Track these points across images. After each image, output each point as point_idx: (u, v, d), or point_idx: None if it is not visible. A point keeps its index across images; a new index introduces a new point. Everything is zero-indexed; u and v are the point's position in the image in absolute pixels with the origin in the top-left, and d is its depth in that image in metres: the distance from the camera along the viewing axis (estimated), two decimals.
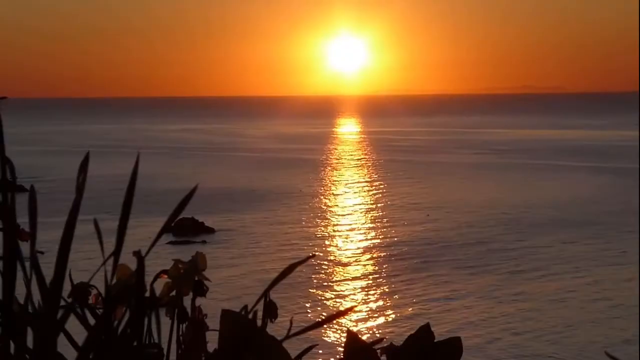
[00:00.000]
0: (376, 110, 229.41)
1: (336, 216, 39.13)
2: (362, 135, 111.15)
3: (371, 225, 36.85)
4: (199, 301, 2.18)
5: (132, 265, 1.97)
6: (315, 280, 26.00)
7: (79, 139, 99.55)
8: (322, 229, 35.57)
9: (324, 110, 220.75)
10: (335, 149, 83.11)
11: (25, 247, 1.87)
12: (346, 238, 33.78)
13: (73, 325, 1.92)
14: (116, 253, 1.88)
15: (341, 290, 25.51)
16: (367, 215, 39.93)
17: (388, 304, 23.98)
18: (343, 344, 2.47)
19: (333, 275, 27.18)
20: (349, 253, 30.86)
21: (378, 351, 2.42)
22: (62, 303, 1.88)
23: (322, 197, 45.48)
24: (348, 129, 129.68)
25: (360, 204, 43.69)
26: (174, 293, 2.16)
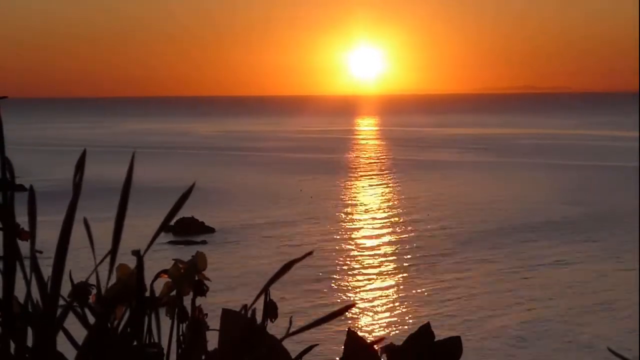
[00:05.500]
0: (384, 110, 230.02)
1: (336, 215, 39.13)
2: (365, 135, 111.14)
3: (371, 224, 36.86)
4: (199, 301, 2.18)
5: (132, 264, 1.97)
6: (314, 278, 26.00)
7: (82, 138, 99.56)
8: (322, 228, 35.57)
9: (338, 110, 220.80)
10: (337, 149, 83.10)
11: (24, 247, 1.87)
12: (346, 237, 33.78)
13: (73, 324, 1.91)
14: (113, 252, 1.87)
15: (341, 289, 25.52)
16: (367, 214, 39.95)
17: (388, 303, 23.99)
18: (343, 343, 2.47)
19: (332, 274, 27.18)
20: (348, 252, 30.86)
21: (378, 350, 2.42)
22: (62, 302, 1.88)
23: (321, 197, 45.47)
24: (354, 128, 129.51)
25: (360, 204, 43.69)
26: (174, 293, 2.16)
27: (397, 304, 23.96)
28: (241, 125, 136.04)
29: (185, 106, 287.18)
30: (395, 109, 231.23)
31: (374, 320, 22.43)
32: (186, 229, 32.98)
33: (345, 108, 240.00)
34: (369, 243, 32.74)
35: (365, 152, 79.55)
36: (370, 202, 44.45)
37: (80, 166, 1.88)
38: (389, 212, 40.58)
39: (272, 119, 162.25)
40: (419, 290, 25.27)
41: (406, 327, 21.24)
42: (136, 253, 1.86)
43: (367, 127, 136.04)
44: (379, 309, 23.54)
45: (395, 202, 43.72)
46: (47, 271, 1.85)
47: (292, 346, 2.13)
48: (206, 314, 2.17)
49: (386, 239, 33.58)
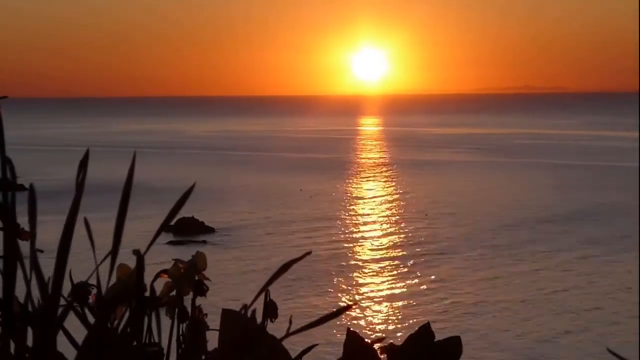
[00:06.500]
0: (387, 110, 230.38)
1: (335, 215, 39.12)
2: (366, 135, 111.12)
3: (371, 224, 36.86)
4: (199, 301, 2.18)
5: (132, 263, 1.97)
6: (313, 278, 25.99)
7: (82, 137, 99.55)
8: (321, 227, 35.56)
9: (341, 110, 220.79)
10: (338, 148, 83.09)
11: (24, 246, 1.87)
12: (346, 236, 33.77)
13: (73, 324, 1.92)
14: (113, 252, 1.87)
15: (340, 288, 25.51)
16: (366, 213, 39.94)
17: (388, 303, 23.99)
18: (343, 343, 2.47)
19: (331, 273, 27.17)
20: (347, 251, 30.86)
21: (378, 350, 2.42)
22: (62, 302, 1.88)
23: (321, 197, 45.47)
24: (356, 128, 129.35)
25: (360, 203, 43.69)
26: (174, 293, 2.16)
27: (396, 303, 23.95)
28: (243, 125, 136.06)
29: (186, 106, 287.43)
30: (398, 109, 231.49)
31: (373, 319, 22.43)
32: (186, 229, 32.97)
33: (348, 108, 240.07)
34: (368, 242, 32.72)
35: (365, 152, 79.54)
36: (369, 201, 44.43)
37: (83, 166, 1.88)
38: (388, 211, 40.57)
39: (274, 119, 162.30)
40: (418, 290, 25.26)
41: (406, 327, 21.24)
42: (136, 252, 1.86)
43: (368, 127, 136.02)
44: (378, 308, 23.54)
45: (395, 202, 43.71)
46: (47, 271, 1.85)
47: (292, 346, 2.13)
48: (206, 314, 2.17)
49: (385, 238, 33.57)
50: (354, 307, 23.22)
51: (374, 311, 23.25)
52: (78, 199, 1.83)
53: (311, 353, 2.11)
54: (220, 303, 19.17)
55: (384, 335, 20.54)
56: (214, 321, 2.18)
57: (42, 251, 1.89)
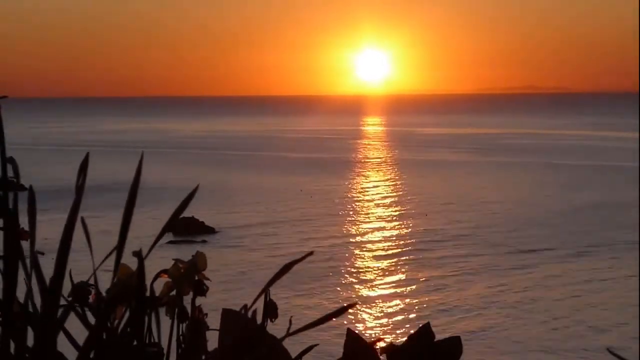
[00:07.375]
0: (389, 110, 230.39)
1: (336, 215, 39.13)
2: (367, 134, 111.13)
3: (371, 224, 36.85)
4: (199, 301, 2.18)
5: (132, 264, 1.97)
6: (314, 279, 25.99)
7: (84, 137, 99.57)
8: (322, 228, 35.56)
9: (343, 110, 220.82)
10: (338, 148, 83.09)
11: (24, 246, 1.87)
12: (346, 237, 33.77)
13: (73, 324, 1.92)
14: (119, 250, 1.88)
15: (340, 289, 25.52)
16: (367, 214, 39.94)
17: (388, 303, 23.99)
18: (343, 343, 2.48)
19: (332, 274, 27.18)
20: (348, 251, 30.86)
21: (378, 350, 2.42)
22: (63, 302, 1.88)
23: (322, 197, 45.47)
24: (357, 128, 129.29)
25: (360, 203, 43.70)
26: (174, 293, 2.16)
27: (396, 303, 23.96)
28: (244, 125, 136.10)
29: (186, 106, 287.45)
30: (401, 109, 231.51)
31: (373, 319, 22.43)
32: (186, 229, 32.96)
33: (350, 108, 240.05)
34: (369, 243, 32.71)
35: (367, 152, 79.54)
36: (370, 201, 44.43)
37: (83, 169, 1.88)
38: (388, 211, 40.57)
39: (275, 119, 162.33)
40: (418, 290, 25.26)
41: (406, 327, 21.25)
42: (137, 254, 1.86)
43: (371, 126, 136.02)
44: (378, 308, 23.55)
45: (395, 202, 43.70)
46: (46, 270, 1.85)
47: (292, 346, 2.14)
48: (206, 314, 2.17)
49: (385, 238, 33.56)
50: (354, 307, 23.20)
51: (374, 311, 23.25)
52: (78, 202, 1.83)
53: (311, 353, 2.11)
54: (220, 303, 19.18)
55: (383, 335, 20.57)
56: (214, 321, 2.18)
57: (42, 254, 1.90)
